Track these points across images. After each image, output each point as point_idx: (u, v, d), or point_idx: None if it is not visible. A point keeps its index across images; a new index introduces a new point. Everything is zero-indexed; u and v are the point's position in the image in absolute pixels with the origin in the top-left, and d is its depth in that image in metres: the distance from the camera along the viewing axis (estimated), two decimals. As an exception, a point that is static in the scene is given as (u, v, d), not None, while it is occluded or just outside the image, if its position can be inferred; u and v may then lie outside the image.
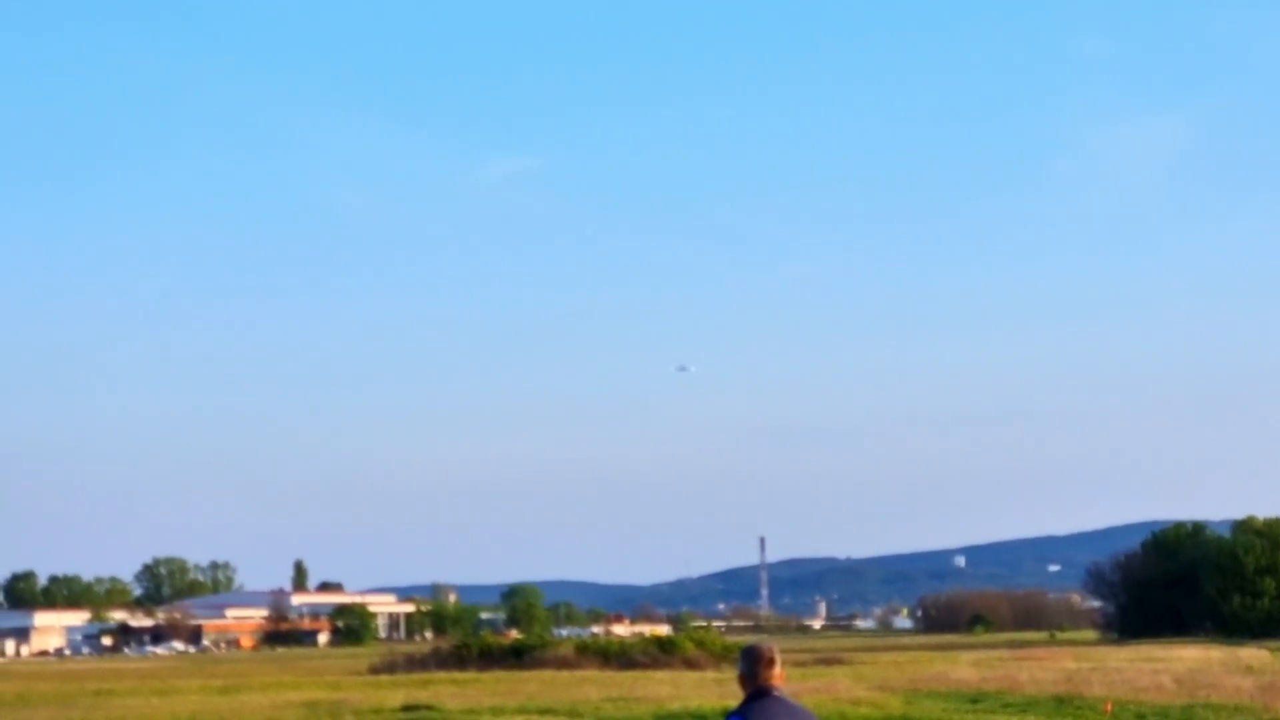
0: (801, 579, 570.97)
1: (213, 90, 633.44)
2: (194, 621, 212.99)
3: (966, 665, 69.65)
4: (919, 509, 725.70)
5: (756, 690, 8.84)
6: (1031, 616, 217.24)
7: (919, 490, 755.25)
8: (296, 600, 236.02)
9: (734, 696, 9.35)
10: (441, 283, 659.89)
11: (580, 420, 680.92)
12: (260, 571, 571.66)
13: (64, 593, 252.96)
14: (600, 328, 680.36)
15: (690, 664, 77.44)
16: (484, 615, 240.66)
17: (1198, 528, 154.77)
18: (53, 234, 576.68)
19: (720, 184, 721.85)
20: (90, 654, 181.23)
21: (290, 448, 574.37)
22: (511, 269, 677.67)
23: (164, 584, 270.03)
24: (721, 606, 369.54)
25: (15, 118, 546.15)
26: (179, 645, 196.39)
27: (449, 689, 55.05)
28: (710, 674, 67.24)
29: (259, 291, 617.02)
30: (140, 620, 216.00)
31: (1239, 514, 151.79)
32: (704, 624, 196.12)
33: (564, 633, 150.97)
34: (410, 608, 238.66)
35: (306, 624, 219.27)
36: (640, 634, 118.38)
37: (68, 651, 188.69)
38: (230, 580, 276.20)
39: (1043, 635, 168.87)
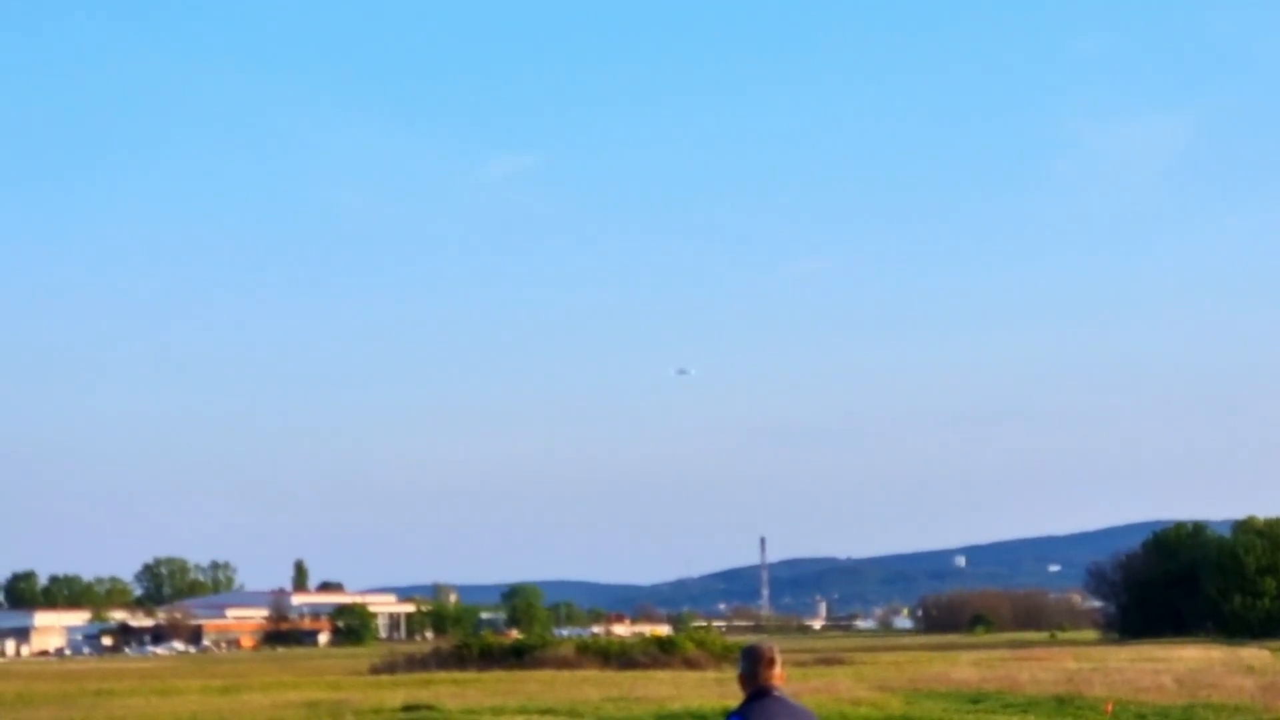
0: (802, 579, 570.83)
1: (212, 90, 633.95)
2: (194, 621, 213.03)
3: (967, 665, 69.63)
4: (919, 509, 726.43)
5: (757, 690, 8.82)
6: (1032, 616, 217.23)
7: (919, 490, 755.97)
8: (297, 600, 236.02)
9: (734, 696, 9.33)
10: (441, 282, 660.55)
11: (581, 420, 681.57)
12: (261, 571, 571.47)
13: (64, 593, 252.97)
14: (600, 327, 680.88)
15: (691, 664, 77.41)
16: (484, 615, 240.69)
17: (1198, 528, 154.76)
18: (52, 233, 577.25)
19: (720, 184, 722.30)
20: (90, 654, 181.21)
21: (290, 448, 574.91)
22: (511, 268, 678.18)
23: (164, 584, 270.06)
24: (722, 606, 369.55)
25: (14, 117, 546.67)
26: (179, 645, 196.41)
27: (449, 689, 55.03)
28: (711, 674, 67.22)
29: (259, 291, 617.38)
30: (141, 620, 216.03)
31: (1239, 514, 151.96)
32: (704, 624, 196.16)
33: (564, 633, 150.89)
34: (411, 608, 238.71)
35: (307, 624, 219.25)
36: (641, 634, 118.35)
37: (68, 651, 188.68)
38: (231, 580, 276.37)
39: (1043, 635, 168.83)
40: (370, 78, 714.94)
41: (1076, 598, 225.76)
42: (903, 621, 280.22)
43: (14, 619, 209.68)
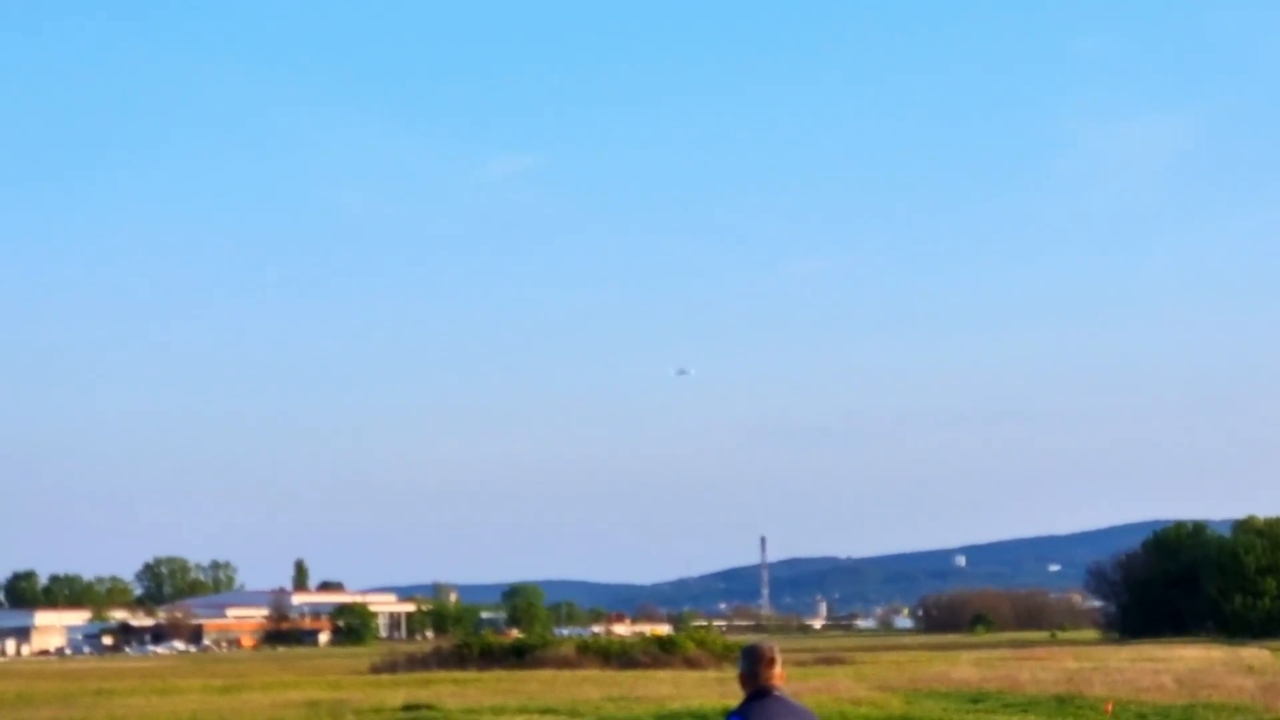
0: (802, 578, 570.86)
1: (212, 89, 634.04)
2: (195, 621, 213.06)
3: (967, 665, 69.63)
4: (920, 508, 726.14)
5: (757, 690, 8.82)
6: (1032, 616, 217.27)
7: (920, 490, 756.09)
8: (297, 600, 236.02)
9: (735, 696, 9.33)
10: (441, 282, 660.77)
11: (581, 420, 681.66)
12: (261, 571, 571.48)
13: (65, 592, 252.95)
14: (600, 327, 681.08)
15: (691, 663, 77.42)
16: (485, 615, 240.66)
17: (1198, 527, 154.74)
18: (52, 233, 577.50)
19: (720, 184, 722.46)
20: (91, 653, 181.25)
21: (291, 447, 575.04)
22: (511, 268, 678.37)
23: (165, 583, 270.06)
24: (723, 606, 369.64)
25: (14, 116, 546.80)
26: (180, 645, 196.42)
27: (450, 688, 55.03)
28: (711, 673, 67.22)
29: (259, 291, 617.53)
30: (141, 620, 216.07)
31: (1240, 514, 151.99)
32: (705, 623, 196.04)
33: (565, 632, 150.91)
34: (411, 607, 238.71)
35: (307, 623, 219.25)
36: (641, 633, 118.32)
37: (68, 651, 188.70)
38: (231, 580, 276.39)
39: (1044, 635, 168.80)
40: (370, 78, 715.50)
41: (1077, 597, 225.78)
42: (903, 621, 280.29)
43: (14, 618, 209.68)
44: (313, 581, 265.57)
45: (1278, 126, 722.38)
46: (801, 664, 74.22)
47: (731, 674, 11.95)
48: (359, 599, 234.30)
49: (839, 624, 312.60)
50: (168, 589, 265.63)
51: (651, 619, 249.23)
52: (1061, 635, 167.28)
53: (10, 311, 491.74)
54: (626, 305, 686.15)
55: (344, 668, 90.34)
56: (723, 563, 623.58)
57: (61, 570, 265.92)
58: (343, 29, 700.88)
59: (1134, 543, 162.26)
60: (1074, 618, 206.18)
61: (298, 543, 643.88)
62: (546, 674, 68.24)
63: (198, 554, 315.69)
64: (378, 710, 43.72)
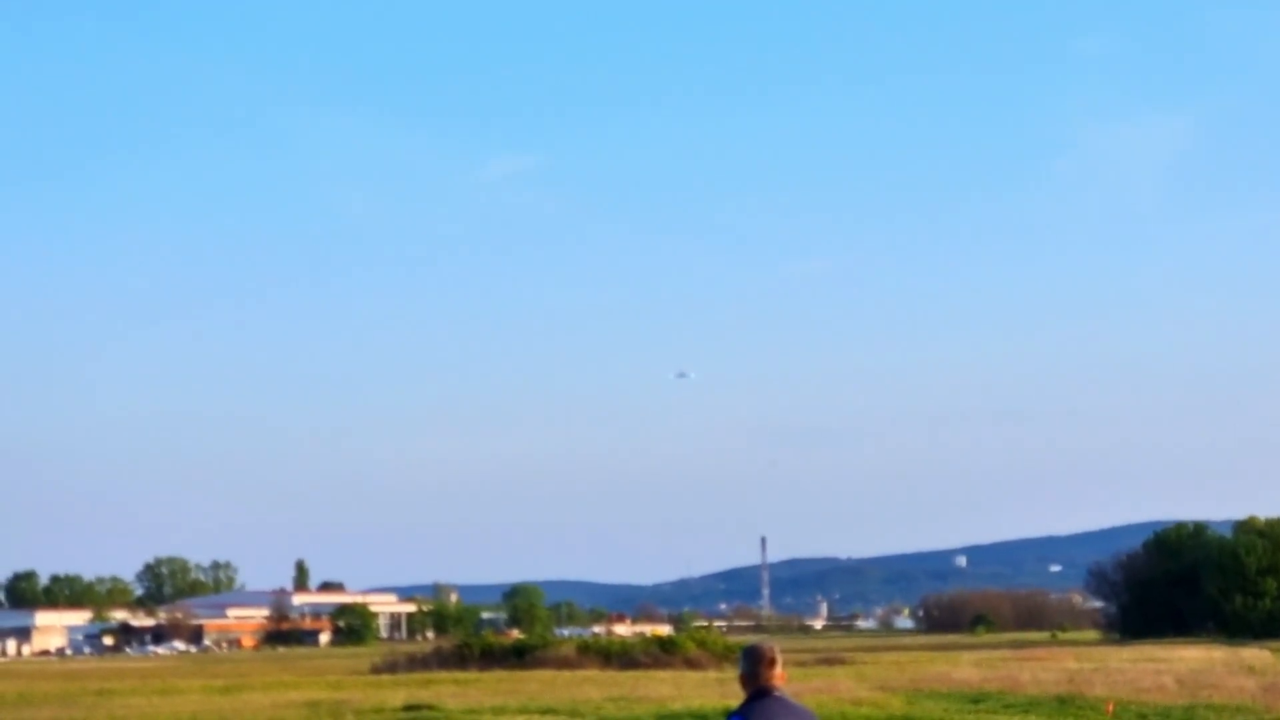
0: (803, 579, 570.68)
1: (212, 89, 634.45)
2: (195, 621, 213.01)
3: (968, 665, 69.62)
4: (920, 509, 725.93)
5: (758, 690, 8.81)
6: (1033, 616, 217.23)
7: (920, 490, 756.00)
8: (298, 600, 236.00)
9: (735, 696, 9.32)
10: (442, 282, 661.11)
11: (582, 420, 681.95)
12: (261, 571, 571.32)
13: (65, 592, 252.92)
14: (601, 327, 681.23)
15: (692, 664, 77.40)
16: (485, 615, 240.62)
17: (1199, 528, 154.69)
18: (53, 233, 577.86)
19: (721, 184, 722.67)
20: (91, 654, 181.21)
21: (291, 447, 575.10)
22: (512, 268, 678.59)
23: (165, 584, 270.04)
24: (723, 606, 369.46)
25: (14, 116, 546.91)
26: (180, 645, 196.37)
27: (450, 689, 55.03)
28: (712, 674, 67.20)
29: (259, 291, 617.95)
30: (141, 620, 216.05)
31: (1240, 514, 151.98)
32: (705, 624, 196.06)
33: (565, 632, 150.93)
34: (411, 607, 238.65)
35: (308, 624, 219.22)
36: (642, 634, 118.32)
37: (69, 651, 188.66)
38: (231, 580, 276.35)
39: (1044, 635, 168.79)
40: (372, 78, 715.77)
41: (1078, 598, 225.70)
42: (904, 621, 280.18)
43: (15, 619, 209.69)
44: (313, 582, 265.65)
45: (1278, 127, 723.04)
46: (802, 664, 74.21)
47: (732, 674, 11.96)
48: (359, 599, 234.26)
49: (839, 624, 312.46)
50: (168, 589, 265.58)
51: (652, 619, 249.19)
52: (1062, 636, 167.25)
53: (10, 311, 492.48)
54: (627, 305, 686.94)
55: (344, 668, 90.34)
56: (723, 563, 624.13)
57: (62, 570, 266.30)
58: (343, 29, 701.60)
59: (1135, 543, 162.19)
60: (1075, 618, 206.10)
61: (298, 543, 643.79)
62: (547, 674, 68.22)
63: (198, 554, 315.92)
64: (378, 710, 43.72)
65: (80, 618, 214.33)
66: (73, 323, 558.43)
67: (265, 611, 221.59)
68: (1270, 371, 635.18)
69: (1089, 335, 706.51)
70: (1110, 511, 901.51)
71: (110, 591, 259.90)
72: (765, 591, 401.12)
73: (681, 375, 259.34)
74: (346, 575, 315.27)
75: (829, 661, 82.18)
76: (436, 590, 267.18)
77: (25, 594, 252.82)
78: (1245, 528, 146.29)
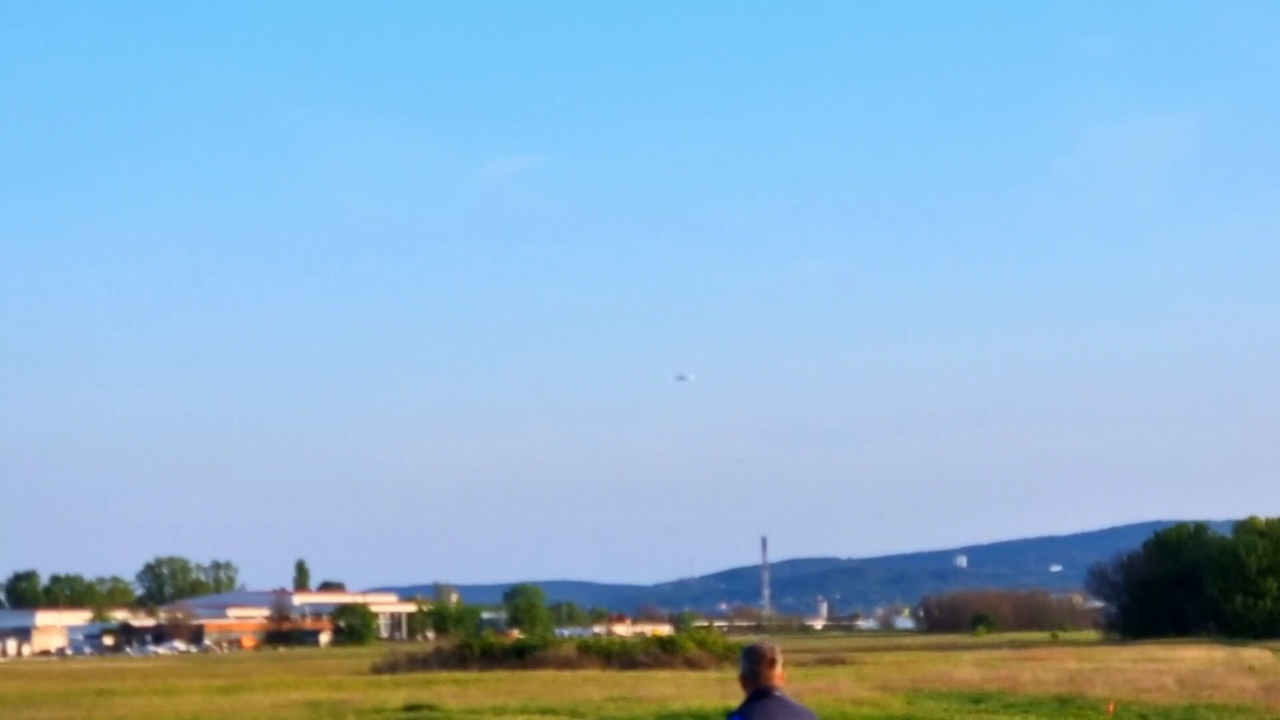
0: (803, 579, 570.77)
1: (213, 88, 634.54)
2: (196, 621, 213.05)
3: (968, 665, 69.62)
4: (921, 509, 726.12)
5: (758, 690, 8.80)
6: (1034, 617, 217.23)
7: (921, 490, 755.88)
8: (298, 600, 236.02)
9: (736, 696, 9.32)
10: (443, 282, 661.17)
11: (582, 419, 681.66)
12: (262, 571, 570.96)
13: (66, 592, 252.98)
14: (602, 327, 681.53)
15: (692, 664, 77.38)
16: (486, 615, 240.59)
17: (1200, 528, 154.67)
18: (53, 232, 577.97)
19: (722, 184, 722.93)
20: (92, 654, 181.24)
21: (292, 447, 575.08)
22: (513, 268, 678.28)
23: (166, 584, 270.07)
24: (723, 606, 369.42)
25: (14, 115, 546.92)
26: (181, 645, 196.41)
27: (451, 689, 55.01)
28: (712, 674, 67.19)
29: (260, 290, 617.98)
30: (142, 620, 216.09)
31: (1241, 514, 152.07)
32: (706, 624, 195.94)
33: (566, 633, 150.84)
34: (412, 607, 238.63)
35: (308, 624, 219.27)
36: (642, 634, 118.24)
37: (69, 651, 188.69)
38: (232, 580, 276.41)
39: (1045, 635, 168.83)
40: (373, 76, 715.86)
41: (1078, 598, 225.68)
42: (904, 621, 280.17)
43: (15, 619, 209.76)
44: (314, 582, 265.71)
45: (1278, 127, 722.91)
46: (802, 664, 74.21)
47: (732, 674, 11.95)
48: (360, 599, 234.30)
49: (840, 624, 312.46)
50: (169, 589, 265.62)
51: (652, 619, 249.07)
52: (1063, 636, 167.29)
53: (10, 311, 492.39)
54: (628, 305, 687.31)
55: (345, 668, 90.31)
56: (724, 563, 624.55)
57: (62, 570, 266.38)
58: (344, 28, 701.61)
59: (1135, 543, 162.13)
60: (1075, 618, 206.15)
61: (299, 543, 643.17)
62: (547, 674, 68.21)
63: (199, 554, 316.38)
64: (379, 710, 43.71)
65: (81, 618, 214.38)
66: (73, 323, 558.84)
67: (266, 611, 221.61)
68: (1271, 371, 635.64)
69: (1090, 335, 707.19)
70: (1111, 511, 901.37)
71: (111, 591, 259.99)
72: (766, 591, 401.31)
73: (681, 378, 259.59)
74: (347, 575, 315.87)
75: (829, 661, 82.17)
76: (437, 590, 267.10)
77: (26, 594, 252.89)
78: (1246, 528, 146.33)
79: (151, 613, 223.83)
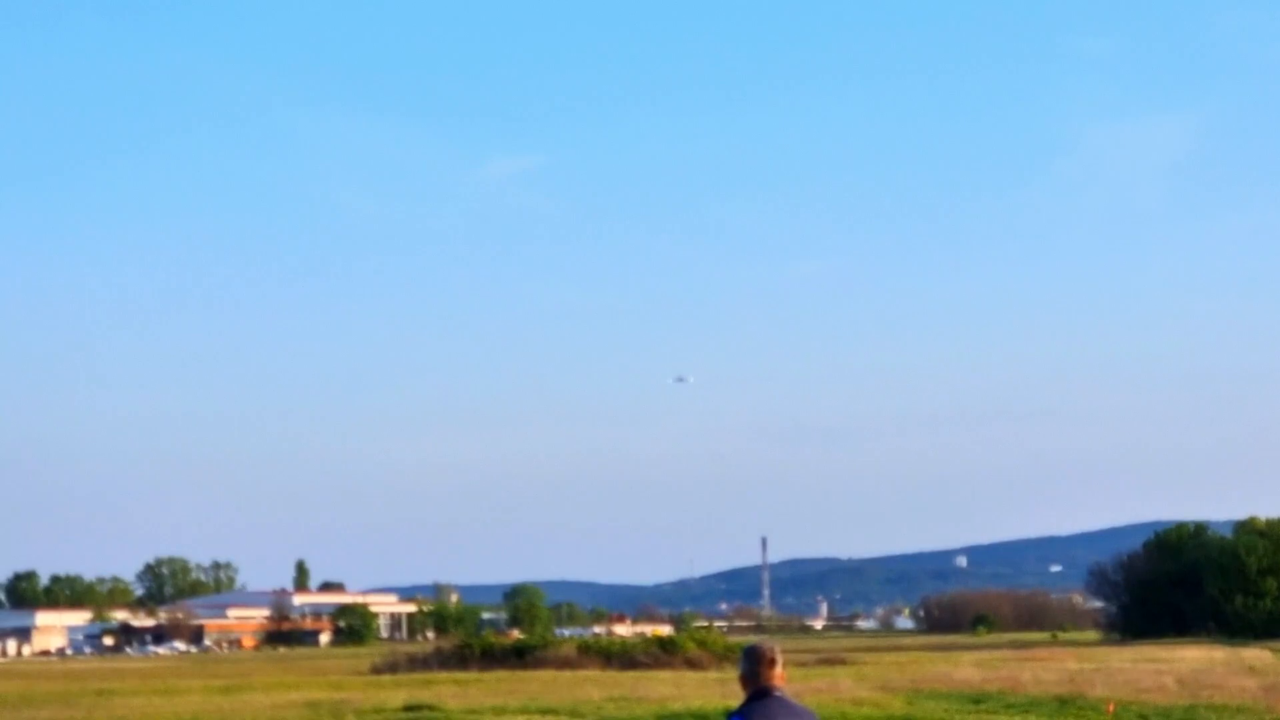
0: (804, 579, 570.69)
1: (213, 88, 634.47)
2: (196, 621, 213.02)
3: (969, 665, 69.61)
4: (921, 509, 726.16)
5: (758, 690, 8.79)
6: (1034, 617, 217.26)
7: (921, 490, 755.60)
8: (298, 600, 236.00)
9: (736, 696, 9.30)
10: (443, 282, 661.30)
11: (583, 419, 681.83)
12: (262, 571, 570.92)
13: (66, 592, 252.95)
14: (602, 327, 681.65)
15: (692, 664, 77.38)
16: (486, 615, 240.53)
17: (1200, 528, 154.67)
18: (53, 232, 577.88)
19: (723, 184, 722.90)
20: (92, 654, 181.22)
21: (292, 447, 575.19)
22: (513, 268, 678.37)
23: (166, 584, 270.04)
24: (724, 606, 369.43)
25: (14, 115, 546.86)
26: (181, 645, 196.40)
27: (451, 689, 55.01)
28: (712, 674, 67.20)
29: (260, 290, 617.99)
30: (142, 620, 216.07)
31: (1241, 514, 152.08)
32: (706, 624, 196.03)
33: (566, 633, 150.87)
34: (412, 608, 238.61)
35: (308, 624, 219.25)
36: (642, 634, 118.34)
37: (69, 651, 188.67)
38: (232, 580, 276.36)
39: (1045, 635, 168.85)
40: (373, 76, 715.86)
41: (1078, 598, 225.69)
42: (904, 622, 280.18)
43: (15, 619, 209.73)
44: (314, 582, 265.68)
45: (1278, 127, 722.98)
46: (803, 664, 74.20)
47: (732, 674, 11.93)
48: (360, 599, 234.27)
49: (840, 624, 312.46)
50: (169, 589, 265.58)
51: (653, 619, 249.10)
52: (1063, 636, 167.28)
53: (10, 311, 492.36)
54: (628, 305, 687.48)
55: (345, 668, 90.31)
56: (724, 563, 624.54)
57: (62, 570, 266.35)
58: (344, 28, 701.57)
59: (1135, 543, 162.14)
60: (1075, 618, 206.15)
61: (299, 543, 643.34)
62: (547, 674, 68.21)
63: (199, 554, 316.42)
64: (379, 710, 43.70)
65: (81, 618, 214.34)
66: (73, 323, 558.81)
67: (266, 612, 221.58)
68: (1271, 371, 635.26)
69: (1090, 335, 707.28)
70: (1111, 511, 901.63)
71: (111, 592, 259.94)
72: (766, 591, 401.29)
73: (680, 380, 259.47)
74: (347, 575, 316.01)
75: (829, 662, 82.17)
76: (437, 590, 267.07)
77: (26, 594, 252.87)
78: (1246, 528, 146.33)
79: (151, 613, 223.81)
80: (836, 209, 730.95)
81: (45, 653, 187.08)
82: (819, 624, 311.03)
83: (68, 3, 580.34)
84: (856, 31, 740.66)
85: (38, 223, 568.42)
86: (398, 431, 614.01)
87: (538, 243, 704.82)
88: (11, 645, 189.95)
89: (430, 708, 43.20)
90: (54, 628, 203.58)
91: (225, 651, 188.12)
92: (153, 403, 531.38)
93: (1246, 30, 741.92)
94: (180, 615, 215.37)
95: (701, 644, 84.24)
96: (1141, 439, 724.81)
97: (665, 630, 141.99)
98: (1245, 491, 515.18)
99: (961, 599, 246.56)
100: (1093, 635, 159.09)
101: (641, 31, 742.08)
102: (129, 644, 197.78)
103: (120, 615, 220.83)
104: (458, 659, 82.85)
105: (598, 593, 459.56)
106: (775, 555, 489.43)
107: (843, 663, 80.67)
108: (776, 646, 8.95)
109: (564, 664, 77.57)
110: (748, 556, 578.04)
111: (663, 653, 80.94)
